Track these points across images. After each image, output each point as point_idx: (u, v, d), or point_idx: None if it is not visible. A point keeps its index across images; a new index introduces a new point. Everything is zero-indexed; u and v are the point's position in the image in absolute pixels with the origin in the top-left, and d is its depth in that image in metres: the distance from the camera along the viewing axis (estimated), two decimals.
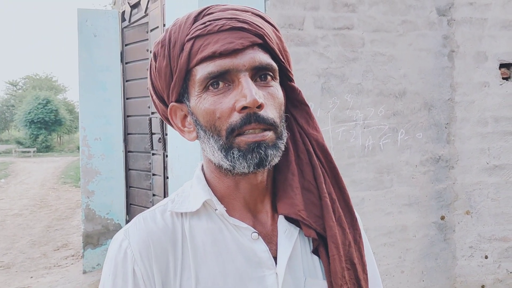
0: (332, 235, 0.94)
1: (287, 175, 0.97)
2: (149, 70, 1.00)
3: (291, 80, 1.00)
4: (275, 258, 0.93)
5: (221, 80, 0.89)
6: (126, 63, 5.64)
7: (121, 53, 5.67)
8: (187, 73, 0.92)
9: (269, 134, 0.89)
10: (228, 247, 0.92)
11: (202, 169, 1.01)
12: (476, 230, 3.55)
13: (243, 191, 0.95)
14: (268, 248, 0.93)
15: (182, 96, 0.95)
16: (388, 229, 3.39)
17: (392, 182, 3.39)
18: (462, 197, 3.52)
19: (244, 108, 0.86)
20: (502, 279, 3.60)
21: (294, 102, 1.01)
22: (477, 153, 3.53)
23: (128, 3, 5.43)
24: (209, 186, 0.97)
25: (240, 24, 0.90)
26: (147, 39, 5.06)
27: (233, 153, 0.88)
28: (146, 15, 5.02)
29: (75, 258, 6.61)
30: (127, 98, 5.68)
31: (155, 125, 4.83)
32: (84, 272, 5.63)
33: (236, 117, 0.87)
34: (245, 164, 0.88)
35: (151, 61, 0.98)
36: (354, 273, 0.95)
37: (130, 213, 5.75)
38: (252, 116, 0.87)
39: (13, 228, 9.08)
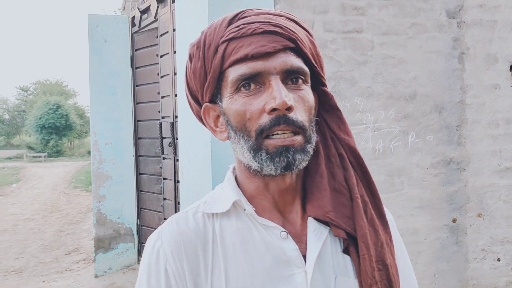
0: (363, 235, 0.95)
1: (315, 177, 0.98)
2: (185, 71, 1.03)
3: (324, 84, 1.01)
4: (304, 257, 0.93)
5: (253, 82, 0.91)
6: (136, 68, 5.68)
7: (131, 58, 5.71)
8: (221, 74, 0.94)
9: (298, 139, 0.90)
10: (257, 246, 0.94)
11: (233, 171, 1.03)
12: (488, 233, 3.53)
13: (272, 192, 0.97)
14: (297, 247, 0.93)
15: (215, 97, 0.97)
16: (400, 232, 3.36)
17: (403, 185, 3.38)
18: (473, 199, 3.50)
19: (274, 110, 0.88)
20: None
21: (326, 107, 1.02)
22: (489, 155, 3.52)
23: (138, 8, 5.46)
24: (239, 187, 0.99)
25: (273, 28, 0.92)
26: (157, 44, 5.08)
27: (261, 155, 0.90)
28: (155, 20, 5.05)
29: (87, 262, 6.64)
30: (137, 103, 5.71)
31: (166, 129, 4.85)
32: (96, 276, 5.65)
33: (265, 119, 0.89)
34: (273, 166, 0.90)
35: (187, 62, 1.02)
36: (386, 274, 0.95)
37: (141, 217, 5.78)
38: (281, 118, 0.88)
39: (24, 232, 9.14)
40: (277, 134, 0.89)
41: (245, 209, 0.96)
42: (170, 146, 4.74)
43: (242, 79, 0.90)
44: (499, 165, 3.53)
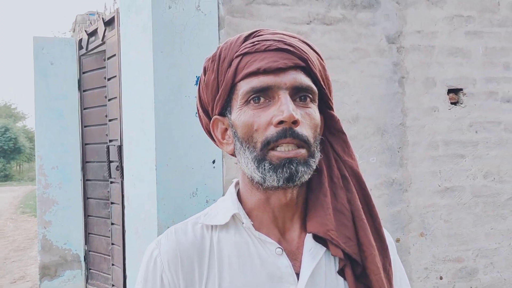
0: (372, 256, 0.97)
1: (318, 195, 1.00)
2: (198, 84, 1.06)
3: (331, 108, 1.05)
4: (298, 275, 0.95)
5: (263, 95, 0.94)
6: (84, 91, 5.59)
7: (79, 81, 5.63)
8: (232, 87, 0.98)
9: (302, 152, 0.93)
10: (253, 260, 0.96)
11: (236, 185, 1.06)
12: (430, 252, 3.62)
13: (272, 206, 0.99)
14: (291, 264, 0.96)
15: (225, 110, 1.01)
16: None
17: None
18: (416, 219, 3.59)
19: (281, 122, 0.91)
20: None
21: (331, 130, 1.05)
22: (429, 176, 3.62)
23: (85, 31, 5.41)
24: (241, 200, 1.02)
25: (286, 46, 0.96)
26: (105, 67, 5.03)
27: (264, 165, 0.93)
28: (103, 43, 5.00)
29: None
30: (85, 126, 5.61)
31: (113, 153, 4.78)
32: None
33: (272, 131, 0.92)
34: (275, 177, 0.92)
35: (201, 75, 1.05)
36: None
37: (88, 243, 5.64)
38: (287, 131, 0.91)
39: None
40: (282, 146, 0.92)
41: (243, 223, 0.99)
42: (117, 170, 4.67)
43: (252, 92, 0.94)
44: (439, 186, 3.64)
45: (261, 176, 0.93)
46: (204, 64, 1.04)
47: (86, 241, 5.67)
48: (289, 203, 0.98)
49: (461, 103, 3.71)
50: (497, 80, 3.79)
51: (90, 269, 5.58)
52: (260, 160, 0.93)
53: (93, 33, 5.27)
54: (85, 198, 5.66)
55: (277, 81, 0.93)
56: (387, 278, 0.98)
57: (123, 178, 4.43)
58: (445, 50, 3.69)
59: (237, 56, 0.97)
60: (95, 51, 5.33)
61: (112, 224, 5.00)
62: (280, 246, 0.97)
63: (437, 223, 3.63)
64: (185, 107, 3.00)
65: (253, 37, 1.00)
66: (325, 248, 0.98)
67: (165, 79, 2.99)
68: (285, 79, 0.94)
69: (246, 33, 1.02)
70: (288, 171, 0.91)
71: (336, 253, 0.96)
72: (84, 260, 5.65)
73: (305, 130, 0.93)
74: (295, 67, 0.95)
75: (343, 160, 1.04)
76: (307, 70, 0.97)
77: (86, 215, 5.65)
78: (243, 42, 0.99)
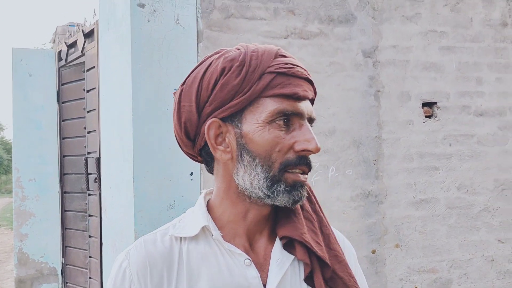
0: (344, 262, 1.04)
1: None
2: (202, 80, 1.01)
3: None
4: (265, 286, 0.99)
5: (288, 119, 0.98)
6: (63, 103, 5.57)
7: (58, 93, 5.61)
8: (254, 99, 0.98)
9: (307, 177, 1.01)
10: (221, 271, 0.98)
11: (205, 196, 1.09)
12: (405, 263, 3.67)
13: (249, 220, 1.03)
14: (259, 275, 0.99)
15: (233, 117, 1.00)
16: None
17: None
18: (391, 230, 3.65)
19: (305, 150, 0.97)
20: None
21: None
22: (404, 188, 3.68)
23: (65, 42, 5.40)
24: (212, 211, 1.05)
25: (309, 77, 1.03)
26: (84, 79, 5.03)
27: (280, 186, 0.97)
28: (82, 55, 5.00)
29: None
30: (63, 138, 5.58)
31: (91, 165, 4.76)
32: None
33: (292, 155, 0.97)
34: (288, 199, 0.98)
35: (211, 73, 1.00)
36: None
37: (66, 256, 5.58)
38: (306, 159, 0.99)
39: None
40: (296, 170, 0.98)
41: (212, 234, 1.00)
42: (95, 182, 4.66)
43: (283, 114, 0.97)
44: (414, 197, 3.70)
45: (270, 195, 0.97)
46: (223, 65, 0.99)
47: (63, 254, 5.61)
48: (266, 215, 1.03)
49: (435, 117, 3.79)
50: (470, 94, 3.88)
51: (67, 282, 5.52)
52: (276, 181, 0.97)
53: (73, 44, 5.27)
54: (63, 210, 5.61)
55: (303, 109, 0.99)
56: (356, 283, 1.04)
57: (101, 190, 4.41)
58: (420, 64, 3.77)
59: (270, 72, 0.98)
60: (74, 62, 5.32)
61: (90, 236, 4.97)
62: (248, 258, 1.00)
63: (412, 235, 3.69)
64: (163, 120, 3.02)
65: (280, 56, 1.01)
66: (292, 258, 1.01)
67: (144, 92, 3.01)
68: (307, 109, 1.01)
69: (273, 47, 1.02)
70: (299, 195, 0.98)
71: (303, 257, 1.00)
72: (61, 273, 5.59)
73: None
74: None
75: None
76: (312, 101, 1.05)
77: (64, 228, 5.60)
78: (274, 57, 1.00)
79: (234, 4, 3.31)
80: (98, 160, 4.52)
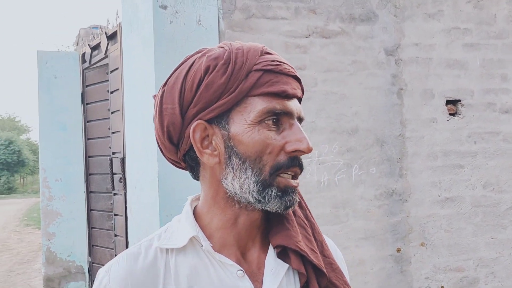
0: (339, 270, 1.00)
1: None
2: (185, 80, 0.95)
3: None
4: None
5: (278, 118, 0.92)
6: (87, 104, 5.66)
7: (82, 94, 5.70)
8: (241, 99, 0.92)
9: (299, 182, 0.95)
10: (213, 284, 0.93)
11: (192, 203, 1.02)
12: (431, 262, 3.65)
13: (240, 226, 0.96)
14: (253, 286, 0.93)
15: (220, 118, 0.93)
16: (346, 263, 3.44)
17: (348, 217, 3.47)
18: (416, 229, 3.62)
19: (297, 151, 0.92)
20: None
21: None
22: (429, 186, 3.66)
23: (89, 45, 5.48)
24: (200, 219, 0.98)
25: (297, 75, 0.97)
26: (107, 80, 5.10)
27: (272, 191, 0.91)
28: (106, 56, 5.08)
29: None
30: (88, 139, 5.67)
31: (116, 165, 4.83)
32: None
33: (283, 157, 0.91)
34: (279, 204, 0.91)
35: (195, 73, 0.94)
36: None
37: (92, 255, 5.67)
38: (298, 160, 0.93)
39: None
40: (288, 173, 0.92)
41: (202, 245, 0.94)
42: (120, 181, 4.72)
43: (272, 113, 0.91)
44: (439, 196, 3.67)
45: (261, 200, 0.91)
46: (207, 63, 0.93)
47: (90, 253, 5.70)
48: (256, 222, 0.98)
49: (460, 114, 3.75)
50: (495, 91, 3.83)
51: (94, 281, 5.61)
52: (267, 185, 0.91)
53: (96, 47, 5.35)
54: (89, 210, 5.70)
55: (292, 108, 0.93)
56: None
57: (126, 190, 4.47)
58: (443, 62, 3.73)
59: (257, 70, 0.92)
60: (98, 64, 5.40)
61: (116, 235, 5.04)
62: (241, 268, 0.94)
63: (437, 233, 3.66)
64: None
65: (265, 53, 0.95)
66: (286, 266, 0.97)
67: None
68: (297, 108, 0.94)
69: (258, 45, 0.97)
70: (291, 200, 0.92)
71: (298, 267, 0.95)
72: (88, 271, 5.68)
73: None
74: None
75: None
76: (300, 100, 0.99)
77: (90, 227, 5.70)
78: (260, 55, 0.94)
79: (255, 4, 3.32)
80: (122, 160, 4.58)
